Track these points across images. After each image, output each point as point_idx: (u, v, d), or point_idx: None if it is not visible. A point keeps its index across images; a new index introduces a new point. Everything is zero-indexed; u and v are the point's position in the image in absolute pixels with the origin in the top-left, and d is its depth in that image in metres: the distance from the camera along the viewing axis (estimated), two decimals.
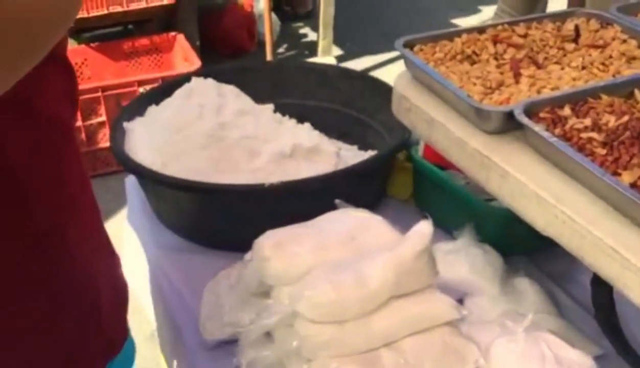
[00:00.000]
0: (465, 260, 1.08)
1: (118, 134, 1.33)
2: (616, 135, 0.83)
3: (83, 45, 3.11)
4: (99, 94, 2.78)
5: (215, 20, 3.49)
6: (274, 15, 3.47)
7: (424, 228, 0.84)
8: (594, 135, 0.84)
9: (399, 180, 1.33)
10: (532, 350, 0.83)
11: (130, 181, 1.46)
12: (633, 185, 0.75)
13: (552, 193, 0.82)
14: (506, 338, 0.85)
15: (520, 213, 0.87)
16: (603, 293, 0.91)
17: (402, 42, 1.11)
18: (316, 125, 1.47)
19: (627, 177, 0.76)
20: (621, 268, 0.73)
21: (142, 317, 1.48)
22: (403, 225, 0.94)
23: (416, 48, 1.12)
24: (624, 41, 1.11)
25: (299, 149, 1.26)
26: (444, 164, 1.29)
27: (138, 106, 1.44)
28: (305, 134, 1.33)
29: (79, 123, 2.70)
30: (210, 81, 1.40)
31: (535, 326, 0.87)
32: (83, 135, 2.80)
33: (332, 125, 1.53)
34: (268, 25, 3.23)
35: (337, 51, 3.68)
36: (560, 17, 1.19)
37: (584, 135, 0.84)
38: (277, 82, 1.60)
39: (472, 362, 0.78)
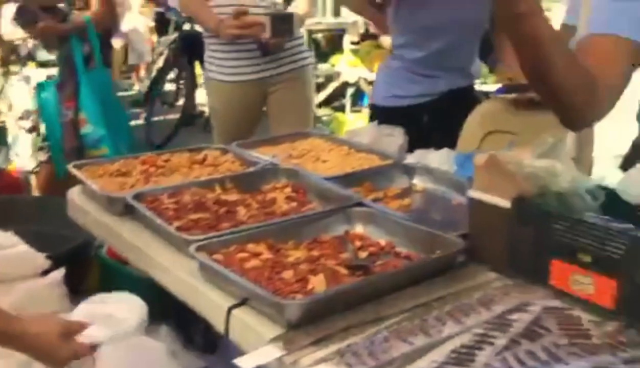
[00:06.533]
0: None
1: None
2: (185, 204, 1.33)
3: None
4: None
5: None
6: None
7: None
8: (171, 205, 1.33)
9: (92, 273, 1.74)
10: None
11: None
12: (178, 228, 1.23)
13: (145, 244, 1.28)
14: None
15: (130, 261, 1.32)
16: None
17: (72, 165, 1.58)
18: None
19: (176, 223, 1.25)
20: (163, 273, 1.19)
21: None
22: None
23: (84, 168, 1.58)
24: (233, 162, 1.67)
25: None
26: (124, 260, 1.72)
27: None
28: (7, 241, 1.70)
29: None
30: None
31: None
32: None
33: None
34: None
35: None
36: (196, 150, 1.74)
37: (164, 206, 1.33)
38: None
39: None
